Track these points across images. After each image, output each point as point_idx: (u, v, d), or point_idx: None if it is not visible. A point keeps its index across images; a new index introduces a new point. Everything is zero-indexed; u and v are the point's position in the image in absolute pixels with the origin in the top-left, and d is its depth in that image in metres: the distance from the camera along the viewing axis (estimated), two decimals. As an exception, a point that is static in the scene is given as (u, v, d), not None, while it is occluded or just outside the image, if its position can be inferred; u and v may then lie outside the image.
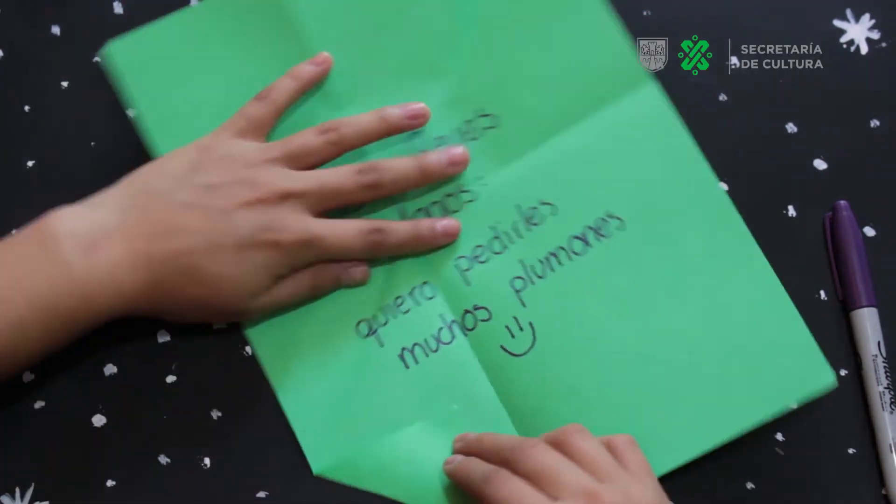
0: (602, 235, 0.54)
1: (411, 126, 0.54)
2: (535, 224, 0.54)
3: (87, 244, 0.48)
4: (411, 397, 0.53)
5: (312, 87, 0.55)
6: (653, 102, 0.55)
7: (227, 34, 0.56)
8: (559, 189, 0.55)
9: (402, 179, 0.53)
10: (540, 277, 0.54)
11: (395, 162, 0.53)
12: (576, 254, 0.54)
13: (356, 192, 0.52)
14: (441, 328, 0.54)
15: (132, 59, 0.55)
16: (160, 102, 0.55)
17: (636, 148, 0.55)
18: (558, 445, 0.47)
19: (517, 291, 0.54)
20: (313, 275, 0.52)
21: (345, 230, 0.52)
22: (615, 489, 0.45)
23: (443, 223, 0.54)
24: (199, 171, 0.50)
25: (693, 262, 0.53)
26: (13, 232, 0.55)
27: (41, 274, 0.47)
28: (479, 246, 0.55)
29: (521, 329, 0.53)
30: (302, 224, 0.51)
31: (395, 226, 0.53)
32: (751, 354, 0.52)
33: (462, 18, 0.56)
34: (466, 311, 0.54)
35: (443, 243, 0.54)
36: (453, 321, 0.54)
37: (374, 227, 0.52)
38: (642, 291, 0.53)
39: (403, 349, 0.54)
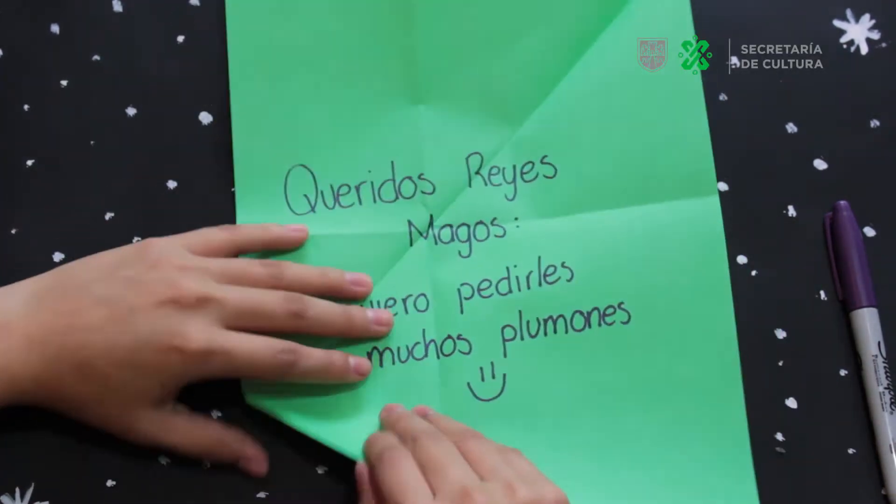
0: (606, 322, 0.54)
1: (353, 293, 0.54)
2: (549, 283, 0.54)
3: None
4: (363, 394, 0.53)
5: (279, 248, 0.54)
6: (709, 216, 0.55)
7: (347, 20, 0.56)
8: (586, 260, 0.54)
9: (327, 322, 0.52)
10: (531, 336, 0.54)
11: (324, 303, 0.52)
12: (574, 329, 0.54)
13: (279, 317, 0.50)
14: (418, 343, 0.54)
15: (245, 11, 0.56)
16: (253, 36, 0.55)
17: (676, 253, 0.54)
18: (456, 443, 0.48)
19: (504, 340, 0.54)
20: (212, 442, 0.51)
21: (254, 345, 0.49)
22: (493, 487, 0.45)
23: (358, 362, 0.53)
24: (126, 265, 0.50)
25: (677, 388, 0.53)
26: (13, 232, 0.55)
27: None
28: (487, 280, 0.55)
29: (493, 377, 0.53)
30: (209, 334, 0.48)
31: (310, 351, 0.51)
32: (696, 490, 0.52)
33: (563, 64, 0.57)
34: (449, 337, 0.54)
35: (353, 380, 0.53)
36: (432, 341, 0.54)
37: (287, 347, 0.50)
38: (621, 391, 0.53)
39: (374, 348, 0.54)
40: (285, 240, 0.54)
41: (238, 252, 0.53)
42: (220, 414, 0.53)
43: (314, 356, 0.51)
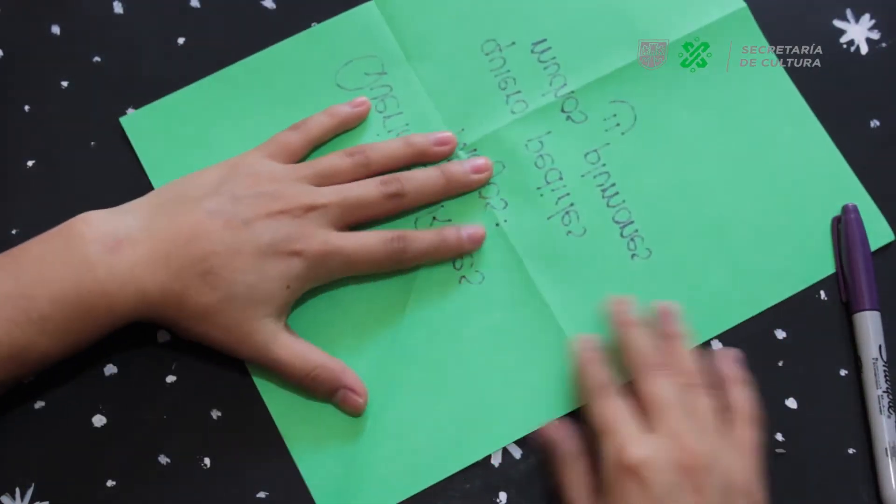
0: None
1: (438, 153, 0.56)
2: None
3: (112, 245, 0.49)
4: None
5: (348, 127, 0.57)
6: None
7: (237, 106, 0.57)
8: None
9: (427, 189, 0.54)
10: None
11: (418, 172, 0.55)
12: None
13: (380, 203, 0.53)
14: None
15: (145, 129, 0.57)
16: (173, 172, 0.55)
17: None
18: (683, 384, 0.50)
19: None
20: (314, 365, 0.52)
21: (366, 240, 0.52)
22: (707, 451, 0.47)
23: (468, 230, 0.55)
24: (226, 182, 0.52)
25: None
26: (13, 231, 0.55)
27: (65, 272, 0.48)
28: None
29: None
30: (324, 236, 0.51)
31: (418, 234, 0.54)
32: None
33: None
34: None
35: (469, 250, 0.55)
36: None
37: (396, 235, 0.53)
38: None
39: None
40: (353, 118, 0.57)
41: (315, 147, 0.56)
42: (220, 414, 0.53)
43: (425, 237, 0.54)
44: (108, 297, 0.49)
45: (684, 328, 0.53)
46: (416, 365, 0.54)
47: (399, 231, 0.53)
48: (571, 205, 0.57)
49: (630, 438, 0.47)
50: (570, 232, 0.56)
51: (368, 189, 0.53)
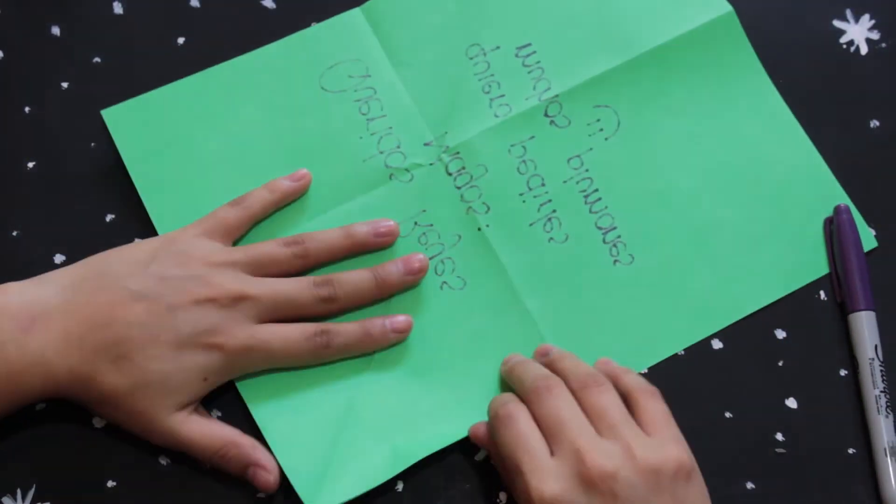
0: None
1: (378, 244, 0.54)
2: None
3: (26, 324, 0.48)
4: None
5: (289, 201, 0.55)
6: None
7: (221, 105, 0.57)
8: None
9: (359, 294, 0.53)
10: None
11: (352, 275, 0.53)
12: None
13: (310, 306, 0.52)
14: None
15: (127, 123, 0.56)
16: (153, 167, 0.56)
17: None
18: (576, 392, 0.49)
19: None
20: (224, 443, 0.50)
21: (290, 335, 0.51)
22: (611, 448, 0.46)
23: (394, 322, 0.53)
24: (156, 260, 0.50)
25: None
26: (13, 233, 0.55)
27: None
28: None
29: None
30: (248, 330, 0.50)
31: (342, 328, 0.52)
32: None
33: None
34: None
35: (394, 341, 0.54)
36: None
37: (320, 329, 0.52)
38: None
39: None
40: (294, 192, 0.55)
41: (255, 223, 0.54)
42: (220, 413, 0.53)
43: (349, 331, 0.52)
44: (16, 377, 0.48)
45: (564, 351, 0.53)
46: (397, 369, 0.54)
47: (322, 325, 0.52)
48: (553, 211, 0.56)
49: (535, 475, 0.46)
50: (551, 238, 0.56)
51: (301, 290, 0.52)
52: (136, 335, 0.48)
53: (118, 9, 0.60)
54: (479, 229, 0.56)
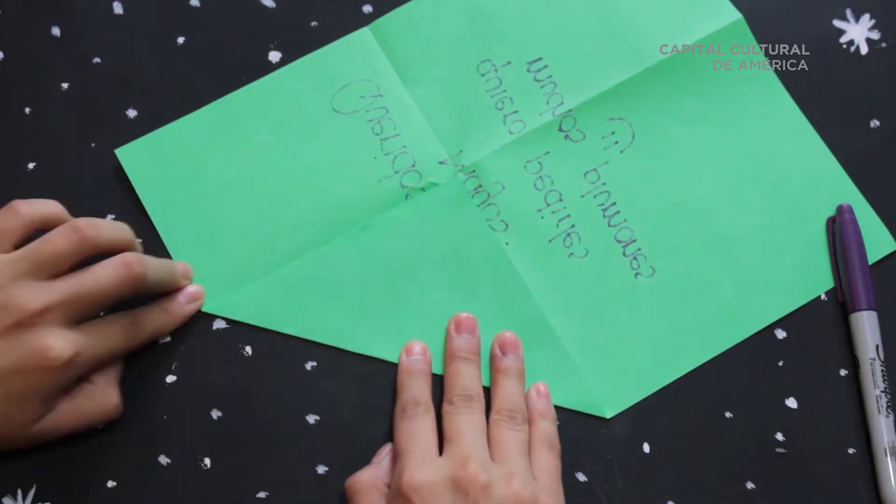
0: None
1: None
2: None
3: None
4: None
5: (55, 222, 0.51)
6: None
7: (233, 135, 0.57)
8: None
9: (162, 276, 0.52)
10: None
11: (150, 259, 0.51)
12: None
13: (118, 290, 0.49)
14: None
15: (141, 161, 0.57)
16: (169, 202, 0.56)
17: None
18: (492, 417, 0.51)
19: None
20: (80, 410, 0.50)
21: (108, 331, 0.50)
22: (494, 470, 0.48)
23: (189, 292, 0.54)
24: None
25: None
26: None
27: None
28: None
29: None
30: (66, 340, 0.47)
31: (147, 311, 0.52)
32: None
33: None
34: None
35: (192, 311, 0.54)
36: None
37: (131, 319, 0.51)
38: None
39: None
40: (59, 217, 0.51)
41: (32, 229, 0.50)
42: (220, 414, 0.53)
43: (153, 315, 0.52)
44: None
45: (518, 363, 0.54)
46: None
47: (130, 314, 0.51)
48: (572, 226, 0.56)
49: (414, 463, 0.48)
50: (572, 254, 0.56)
51: (104, 276, 0.48)
52: None
53: (118, 9, 0.60)
54: (499, 247, 0.56)
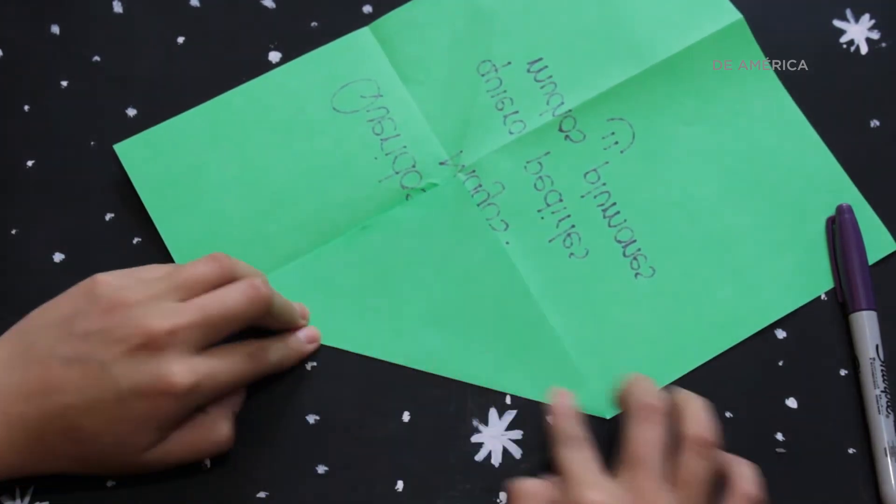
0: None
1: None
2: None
3: None
4: None
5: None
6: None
7: (232, 132, 0.57)
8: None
9: (287, 309, 0.52)
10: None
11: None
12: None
13: (247, 312, 0.49)
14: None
15: (140, 156, 0.56)
16: (168, 198, 0.56)
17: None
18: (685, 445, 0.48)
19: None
20: (192, 441, 0.49)
21: (232, 362, 0.49)
22: (670, 498, 0.46)
23: (308, 333, 0.54)
24: (79, 317, 0.47)
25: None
26: (13, 232, 0.55)
27: None
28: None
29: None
30: (189, 366, 0.47)
31: (270, 342, 0.52)
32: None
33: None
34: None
35: (310, 350, 0.54)
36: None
37: (253, 350, 0.51)
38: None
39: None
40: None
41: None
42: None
43: (275, 345, 0.52)
44: None
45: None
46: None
47: (253, 343, 0.51)
48: (572, 226, 0.56)
49: (589, 484, 0.46)
50: (572, 254, 0.56)
51: (231, 297, 0.48)
52: (77, 402, 0.46)
53: (118, 8, 0.60)
54: (499, 247, 0.56)
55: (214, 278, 0.49)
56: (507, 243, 0.56)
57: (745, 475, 0.48)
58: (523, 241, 0.56)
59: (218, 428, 0.50)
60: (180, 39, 0.59)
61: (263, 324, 0.51)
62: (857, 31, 0.60)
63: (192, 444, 0.49)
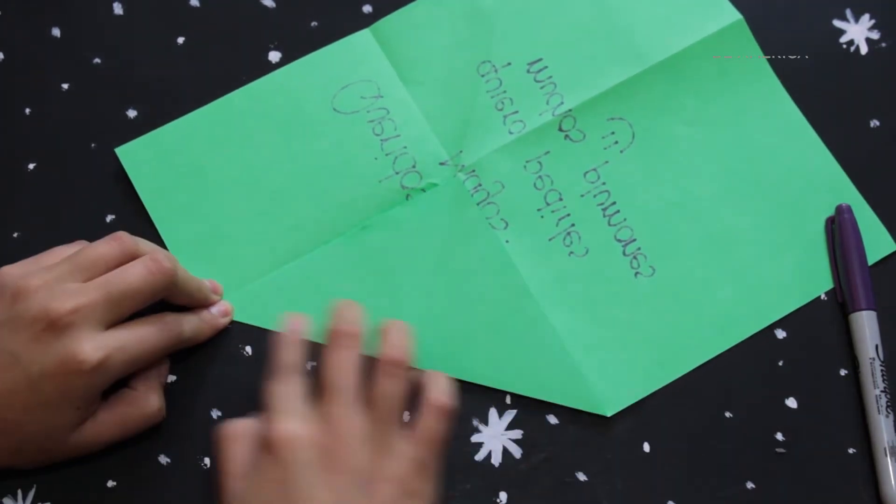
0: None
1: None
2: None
3: None
4: None
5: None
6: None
7: (233, 134, 0.57)
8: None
9: (194, 281, 0.52)
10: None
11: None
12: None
13: (150, 286, 0.49)
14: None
15: (141, 160, 0.57)
16: (169, 200, 0.56)
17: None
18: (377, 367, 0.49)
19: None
20: (121, 417, 0.50)
21: (143, 334, 0.49)
22: (355, 436, 0.46)
23: (220, 308, 0.54)
24: None
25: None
26: (14, 235, 0.55)
27: None
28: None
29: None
30: (96, 342, 0.47)
31: (182, 316, 0.52)
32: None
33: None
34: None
35: (223, 325, 0.54)
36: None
37: (167, 320, 0.51)
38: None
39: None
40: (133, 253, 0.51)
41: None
42: (220, 413, 0.53)
43: (188, 318, 0.52)
44: None
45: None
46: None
47: (167, 316, 0.51)
48: (572, 225, 0.56)
49: (284, 413, 0.47)
50: (571, 253, 0.56)
51: (135, 272, 0.48)
52: None
53: (118, 9, 0.60)
54: (499, 245, 0.56)
55: (116, 257, 0.49)
56: (507, 242, 0.56)
57: (437, 385, 0.49)
58: (523, 240, 0.56)
59: (147, 401, 0.51)
60: (180, 40, 0.59)
61: (172, 299, 0.51)
62: (857, 31, 0.60)
63: (122, 421, 0.50)
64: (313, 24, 0.60)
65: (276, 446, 0.45)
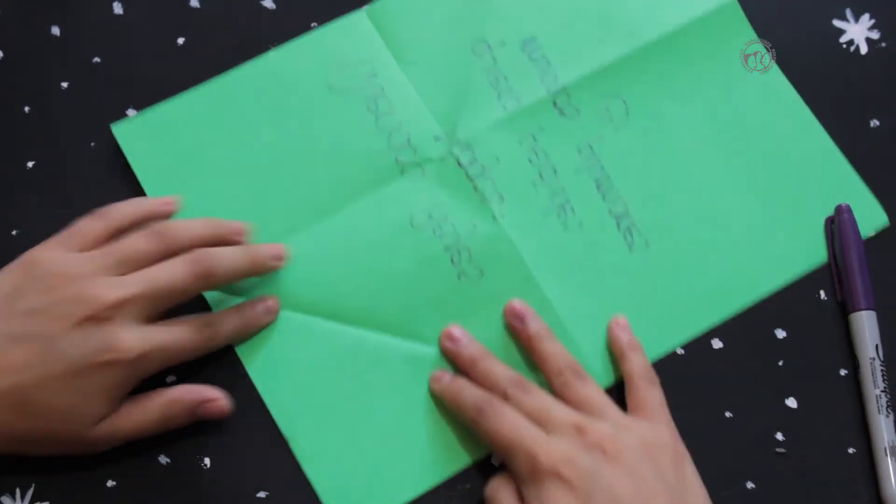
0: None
1: (238, 241, 0.53)
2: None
3: None
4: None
5: (151, 219, 0.52)
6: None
7: (229, 114, 0.57)
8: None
9: (236, 269, 0.52)
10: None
11: (225, 251, 0.51)
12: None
13: (190, 285, 0.50)
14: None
15: (138, 137, 0.57)
16: (165, 179, 0.56)
17: None
18: (557, 390, 0.51)
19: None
20: (164, 408, 0.50)
21: (180, 332, 0.50)
22: (604, 424, 0.48)
23: (267, 303, 0.54)
24: (21, 295, 0.48)
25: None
26: (14, 233, 0.55)
27: None
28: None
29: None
30: (138, 335, 0.48)
31: (223, 315, 0.52)
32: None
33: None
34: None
35: (267, 322, 0.54)
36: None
37: (205, 321, 0.51)
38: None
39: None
40: (157, 213, 0.53)
41: (117, 234, 0.51)
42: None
43: (229, 317, 0.52)
44: None
45: (543, 323, 0.54)
46: (419, 363, 0.54)
47: (206, 316, 0.52)
48: (567, 200, 0.57)
49: (537, 444, 0.47)
50: (566, 227, 0.56)
51: (178, 270, 0.49)
52: (26, 379, 0.46)
53: (118, 9, 0.60)
54: (495, 218, 0.56)
55: (157, 251, 0.50)
56: (503, 216, 0.56)
57: (634, 364, 0.53)
58: (518, 214, 0.56)
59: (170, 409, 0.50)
60: (180, 40, 0.59)
61: (219, 288, 0.52)
62: (857, 31, 0.60)
63: (142, 418, 0.50)
64: (313, 24, 0.60)
65: (555, 473, 0.46)
